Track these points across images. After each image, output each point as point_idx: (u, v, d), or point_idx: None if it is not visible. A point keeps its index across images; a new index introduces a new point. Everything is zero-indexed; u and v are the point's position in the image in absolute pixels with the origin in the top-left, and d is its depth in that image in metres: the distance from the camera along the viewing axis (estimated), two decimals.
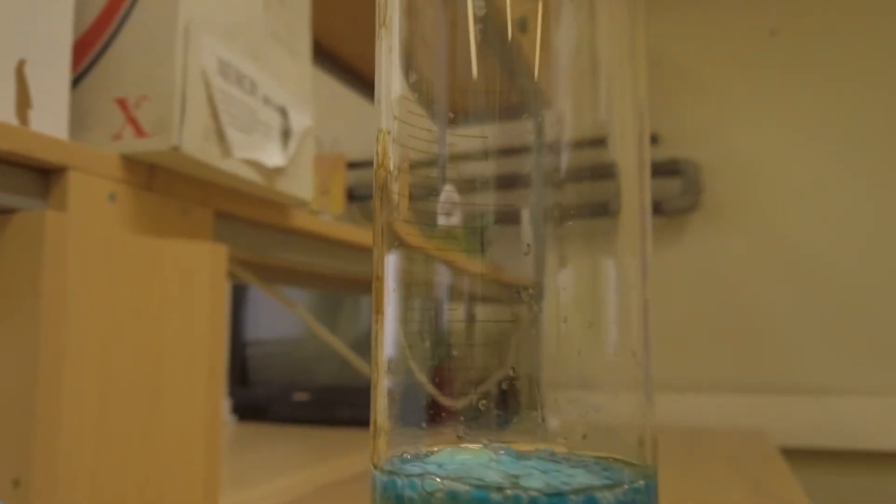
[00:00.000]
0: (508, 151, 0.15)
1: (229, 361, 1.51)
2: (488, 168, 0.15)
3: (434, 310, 0.16)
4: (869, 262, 1.50)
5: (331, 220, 0.66)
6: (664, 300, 1.61)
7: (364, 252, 0.76)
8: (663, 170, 1.56)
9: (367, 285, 1.15)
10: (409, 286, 0.15)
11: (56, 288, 0.35)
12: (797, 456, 1.48)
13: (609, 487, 0.10)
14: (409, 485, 0.10)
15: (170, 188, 0.43)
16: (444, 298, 0.16)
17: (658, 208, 1.56)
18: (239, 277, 0.59)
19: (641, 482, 0.11)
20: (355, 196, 1.65)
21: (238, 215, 0.50)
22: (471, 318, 0.16)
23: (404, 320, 0.15)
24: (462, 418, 0.14)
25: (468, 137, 0.15)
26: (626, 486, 0.10)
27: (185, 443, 0.43)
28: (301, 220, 0.57)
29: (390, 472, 0.11)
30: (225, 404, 1.49)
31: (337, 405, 1.41)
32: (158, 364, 0.41)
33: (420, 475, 0.10)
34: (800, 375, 1.51)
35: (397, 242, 0.15)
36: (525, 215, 0.16)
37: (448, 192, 0.17)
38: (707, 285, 1.58)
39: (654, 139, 1.56)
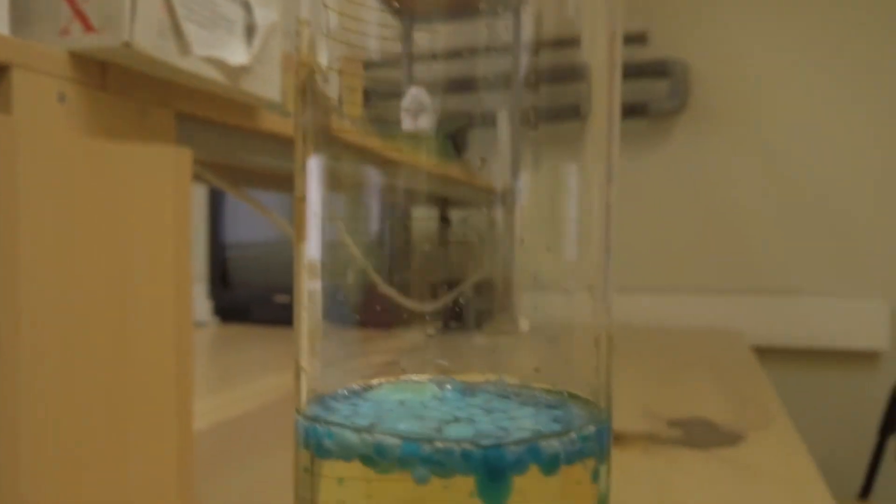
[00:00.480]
0: (462, 51, 0.13)
1: (209, 264, 1.51)
2: (439, 68, 0.14)
3: (375, 218, 0.14)
4: (848, 170, 1.50)
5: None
6: (646, 202, 1.60)
7: None
8: (651, 70, 1.52)
9: None
10: (343, 195, 0.14)
11: (6, 197, 0.33)
12: (770, 354, 1.52)
13: (556, 435, 0.09)
14: (327, 434, 0.09)
15: (125, 88, 0.41)
16: (386, 205, 0.15)
17: (644, 110, 1.53)
18: (209, 182, 0.57)
19: (592, 428, 0.10)
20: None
21: (201, 117, 0.48)
22: (423, 225, 0.15)
23: (341, 232, 0.14)
24: (404, 343, 0.13)
25: (416, 32, 0.13)
26: (573, 435, 0.09)
27: (155, 353, 0.43)
28: (270, 122, 0.55)
29: (313, 419, 0.10)
30: (206, 306, 1.49)
31: None
32: (122, 275, 0.40)
33: (343, 425, 0.09)
34: (776, 277, 1.53)
35: (330, 147, 0.13)
36: (501, 118, 0.15)
37: (411, 93, 0.15)
38: (689, 188, 1.58)
39: (644, 38, 1.51)
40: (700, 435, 0.69)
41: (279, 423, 0.76)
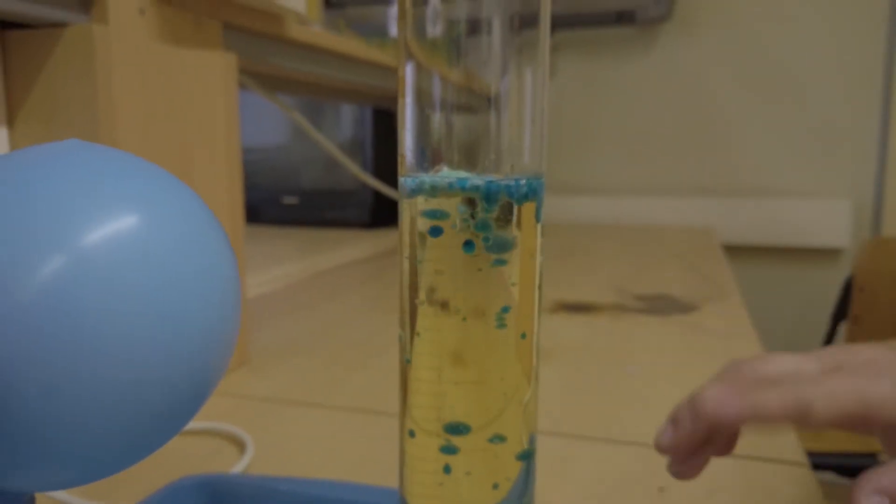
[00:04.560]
0: None
1: None
2: None
3: (429, 110, 0.23)
4: (820, 75, 1.57)
5: (320, 30, 0.72)
6: (632, 109, 1.69)
7: (349, 61, 0.83)
8: None
9: (349, 93, 1.21)
10: (418, 94, 0.22)
11: (107, 92, 0.43)
12: (739, 252, 1.64)
13: (521, 181, 0.19)
14: (415, 180, 0.19)
15: (184, 2, 0.50)
16: (436, 101, 0.23)
17: (631, 18, 1.59)
18: (247, 86, 0.66)
19: (536, 181, 0.20)
20: (333, 4, 1.65)
21: (242, 27, 0.57)
22: (449, 118, 0.24)
23: (420, 113, 0.22)
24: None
25: None
26: (525, 181, 0.19)
27: None
28: (295, 31, 0.63)
29: (409, 176, 0.20)
30: None
31: (324, 207, 1.53)
32: (187, 161, 0.50)
33: (427, 175, 0.19)
34: (749, 179, 1.63)
35: (406, 53, 0.22)
36: (493, 26, 0.22)
37: (433, 2, 0.22)
38: (674, 94, 1.65)
39: None
40: (661, 306, 0.81)
41: (304, 296, 0.88)
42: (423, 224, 0.20)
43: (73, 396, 0.17)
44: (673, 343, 0.66)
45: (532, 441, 0.24)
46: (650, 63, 1.65)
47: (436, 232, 0.21)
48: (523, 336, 0.22)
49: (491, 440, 0.23)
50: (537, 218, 0.20)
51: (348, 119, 1.49)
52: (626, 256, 1.21)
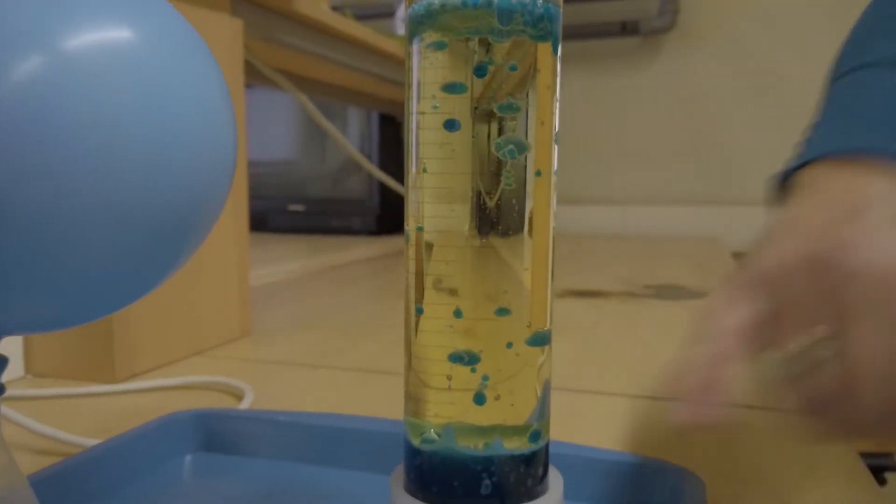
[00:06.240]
0: None
1: None
2: None
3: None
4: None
5: (328, 10, 0.72)
6: (637, 119, 1.69)
7: (356, 47, 0.83)
8: None
9: (356, 95, 1.22)
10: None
11: None
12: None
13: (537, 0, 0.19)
14: (426, 2, 0.19)
15: None
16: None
17: (635, 28, 1.60)
18: (267, 78, 0.66)
19: (553, 6, 0.20)
20: (335, 9, 1.67)
21: None
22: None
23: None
24: None
25: None
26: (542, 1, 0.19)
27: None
28: (304, 7, 0.63)
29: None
30: None
31: (331, 215, 1.53)
32: None
33: None
34: (754, 188, 1.62)
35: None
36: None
37: None
38: (678, 104, 1.65)
39: None
40: (671, 293, 0.80)
41: (309, 286, 0.87)
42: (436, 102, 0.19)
43: (52, 208, 0.16)
44: (684, 323, 0.65)
45: (546, 329, 0.23)
46: (654, 73, 1.66)
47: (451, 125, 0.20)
48: (538, 174, 0.21)
49: (497, 312, 0.22)
50: (554, 48, 0.20)
51: (355, 127, 1.49)
52: (633, 258, 1.20)
